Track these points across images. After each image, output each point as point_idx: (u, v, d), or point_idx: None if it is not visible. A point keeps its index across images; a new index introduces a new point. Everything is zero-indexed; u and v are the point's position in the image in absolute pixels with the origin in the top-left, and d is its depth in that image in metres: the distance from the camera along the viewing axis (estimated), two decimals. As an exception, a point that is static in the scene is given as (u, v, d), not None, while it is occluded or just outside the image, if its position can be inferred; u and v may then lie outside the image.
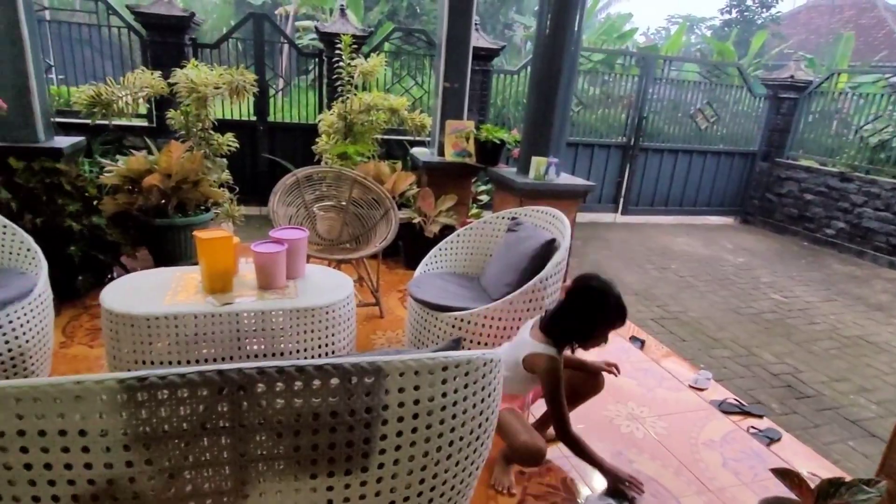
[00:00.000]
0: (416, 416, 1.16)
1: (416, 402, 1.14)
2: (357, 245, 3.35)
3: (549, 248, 2.38)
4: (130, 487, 1.02)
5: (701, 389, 2.87)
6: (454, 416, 1.22)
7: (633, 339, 3.35)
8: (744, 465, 2.18)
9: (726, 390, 2.88)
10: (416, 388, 1.15)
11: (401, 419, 1.14)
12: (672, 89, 7.10)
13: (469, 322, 2.26)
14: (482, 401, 1.30)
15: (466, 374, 1.23)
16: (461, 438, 1.27)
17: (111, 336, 2.05)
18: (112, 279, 2.22)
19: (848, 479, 1.55)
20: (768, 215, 7.25)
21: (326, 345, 2.23)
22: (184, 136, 4.11)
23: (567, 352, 1.91)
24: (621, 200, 7.05)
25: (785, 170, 7.04)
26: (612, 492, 1.92)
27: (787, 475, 1.54)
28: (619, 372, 2.17)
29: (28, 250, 2.42)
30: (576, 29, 3.52)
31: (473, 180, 4.75)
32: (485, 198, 4.75)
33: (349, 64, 4.34)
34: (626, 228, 6.75)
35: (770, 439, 2.49)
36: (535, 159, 3.61)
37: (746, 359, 3.50)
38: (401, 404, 1.14)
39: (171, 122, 4.14)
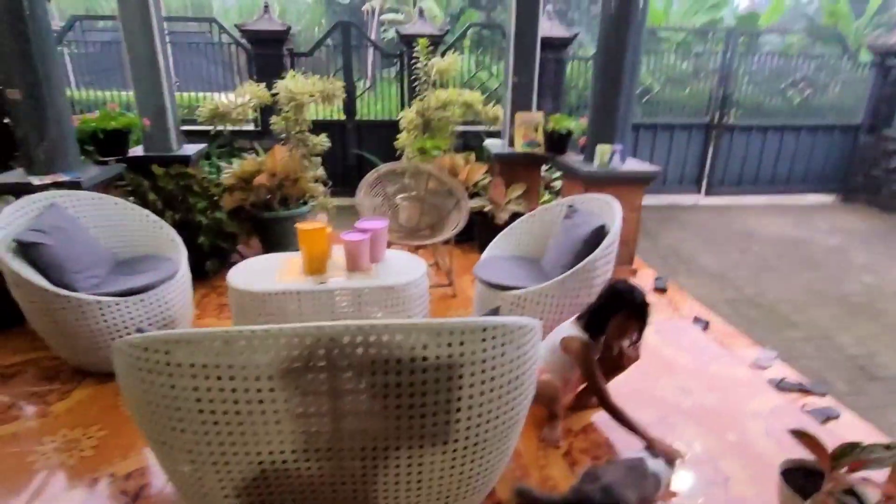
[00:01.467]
0: (461, 366, 1.49)
1: (449, 355, 1.47)
2: (433, 232, 3.73)
3: (599, 233, 2.60)
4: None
5: (763, 368, 2.94)
6: (494, 368, 1.54)
7: (697, 319, 3.45)
8: (787, 436, 2.29)
9: (790, 370, 2.93)
10: (461, 343, 1.48)
11: (438, 368, 1.48)
12: (764, 60, 6.76)
13: (526, 300, 2.55)
14: (518, 357, 1.61)
15: (504, 335, 1.54)
16: (492, 390, 1.58)
17: (237, 309, 2.58)
18: (233, 264, 2.74)
19: (866, 443, 1.68)
20: (874, 192, 6.74)
21: (405, 318, 2.63)
22: (284, 139, 4.70)
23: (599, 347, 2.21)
24: (704, 181, 6.87)
25: (894, 143, 6.50)
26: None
27: (803, 436, 1.70)
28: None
29: (172, 240, 3.03)
30: (640, 7, 3.58)
31: (546, 168, 4.97)
32: (558, 184, 4.93)
33: (426, 64, 4.70)
34: (708, 210, 6.60)
35: (826, 417, 2.55)
36: (599, 147, 3.78)
37: (821, 342, 3.48)
38: (437, 357, 1.48)
39: (273, 127, 4.74)
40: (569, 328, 2.24)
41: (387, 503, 1.69)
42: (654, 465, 1.93)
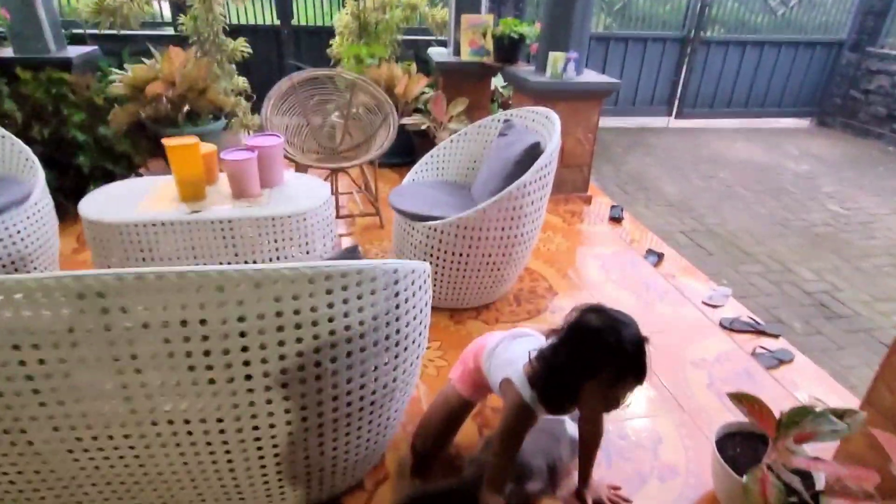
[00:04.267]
0: (298, 327, 1.10)
1: (279, 312, 1.07)
2: (357, 153, 3.24)
3: (533, 151, 2.17)
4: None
5: (714, 306, 2.66)
6: (348, 328, 1.16)
7: (650, 252, 3.12)
8: (731, 386, 2.03)
9: (744, 308, 2.66)
10: (295, 297, 1.08)
11: (280, 328, 1.09)
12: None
13: (442, 232, 2.15)
14: (387, 312, 1.22)
15: (359, 283, 1.15)
16: (362, 350, 1.21)
17: (95, 245, 2.12)
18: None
19: (819, 408, 1.38)
20: (850, 116, 6.38)
21: (303, 253, 2.21)
22: (197, 43, 4.03)
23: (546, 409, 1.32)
24: (676, 102, 6.40)
25: (877, 61, 6.07)
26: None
27: (743, 400, 1.39)
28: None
29: (26, 160, 2.49)
30: None
31: (503, 85, 4.42)
32: (508, 93, 4.38)
33: (360, -46, 4.00)
34: (677, 134, 6.18)
35: (778, 360, 2.30)
36: (551, 55, 3.26)
37: (779, 275, 3.21)
38: (279, 313, 1.08)
39: (182, 29, 4.06)
40: (518, 368, 1.35)
41: (238, 491, 1.35)
42: (573, 427, 1.63)
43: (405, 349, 1.34)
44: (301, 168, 2.98)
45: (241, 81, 4.23)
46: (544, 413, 1.33)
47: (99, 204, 2.13)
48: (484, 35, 3.79)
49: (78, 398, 1.09)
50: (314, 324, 1.11)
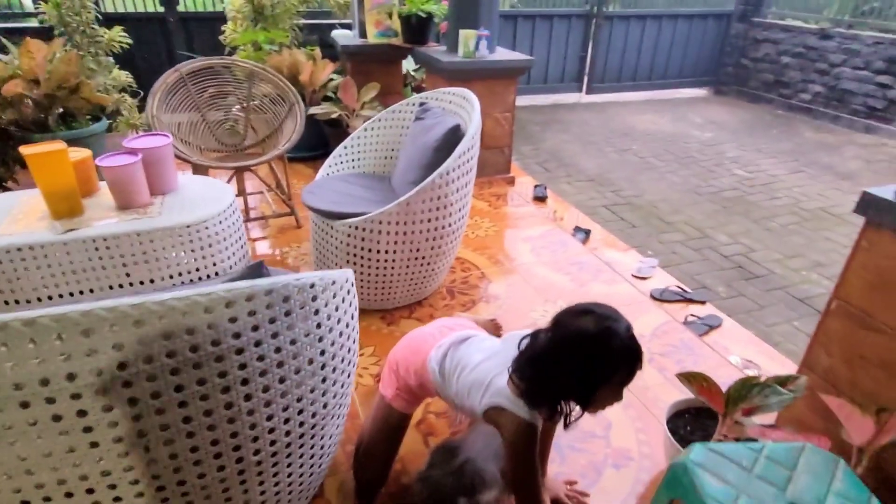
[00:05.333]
0: (197, 366, 0.91)
1: (194, 348, 0.88)
2: (263, 149, 2.97)
3: (453, 136, 2.04)
4: None
5: (643, 278, 2.68)
6: (261, 358, 0.98)
7: (577, 229, 3.11)
8: (671, 359, 2.03)
9: (671, 277, 2.70)
10: (190, 332, 0.89)
11: (175, 371, 0.89)
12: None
13: (365, 230, 1.98)
14: (307, 334, 1.05)
15: (269, 306, 0.97)
16: (282, 380, 1.04)
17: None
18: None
19: (763, 378, 1.37)
20: (743, 83, 6.78)
21: (205, 267, 1.96)
22: (64, 35, 3.54)
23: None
24: (585, 78, 6.52)
25: (762, 31, 6.46)
26: None
27: (693, 379, 1.35)
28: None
29: None
30: None
31: (416, 68, 4.25)
32: (420, 76, 4.21)
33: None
34: (590, 109, 6.30)
35: (709, 327, 2.34)
36: (462, 33, 3.14)
37: (699, 241, 3.31)
38: (171, 354, 0.88)
39: (44, 18, 3.55)
40: (502, 391, 1.20)
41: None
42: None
43: (333, 370, 1.17)
44: (200, 170, 2.68)
45: (124, 76, 3.78)
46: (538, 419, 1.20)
47: (-55, 230, 1.77)
48: (390, 15, 3.59)
49: None
50: (219, 359, 0.93)
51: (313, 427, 1.18)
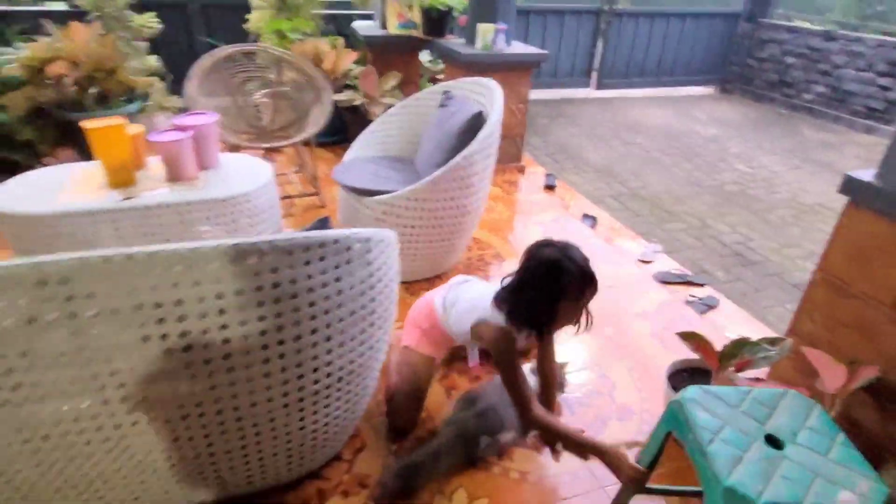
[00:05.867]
0: (277, 301, 1.09)
1: (276, 285, 1.06)
2: (290, 132, 3.14)
3: (476, 121, 2.21)
4: None
5: (648, 262, 2.86)
6: (327, 299, 1.16)
7: (586, 216, 3.29)
8: (672, 332, 2.20)
9: (674, 262, 2.87)
10: (274, 270, 1.07)
11: (260, 304, 1.07)
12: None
13: (394, 206, 2.15)
14: (362, 281, 1.23)
15: (336, 253, 1.14)
16: (340, 320, 1.21)
17: (13, 239, 1.94)
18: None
19: (754, 339, 1.55)
20: (748, 83, 6.92)
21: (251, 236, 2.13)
22: (98, 19, 3.69)
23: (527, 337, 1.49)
24: (595, 74, 6.66)
25: (768, 31, 6.60)
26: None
27: (690, 338, 1.53)
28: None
29: (-86, 152, 2.22)
30: None
31: (430, 59, 4.40)
32: (435, 67, 4.37)
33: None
34: (598, 104, 6.45)
35: (707, 306, 2.52)
36: (480, 26, 3.30)
37: (700, 230, 3.48)
38: (258, 288, 1.06)
39: (79, 2, 3.70)
40: (487, 308, 1.51)
41: (209, 475, 1.32)
42: (536, 381, 1.72)
43: (378, 318, 1.35)
44: (234, 150, 2.85)
45: (153, 60, 3.94)
46: (524, 339, 1.49)
47: (14, 196, 1.94)
48: (410, 8, 3.75)
49: (42, 396, 1.02)
50: (293, 296, 1.10)
51: (359, 367, 1.36)
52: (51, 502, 1.20)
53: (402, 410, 1.65)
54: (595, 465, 1.59)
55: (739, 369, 1.54)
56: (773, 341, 1.54)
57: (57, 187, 2.02)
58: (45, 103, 3.18)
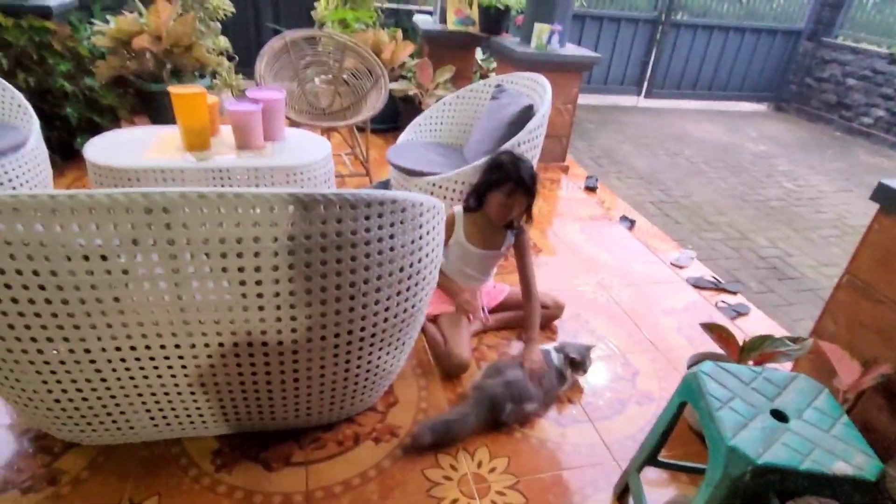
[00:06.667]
0: (339, 248, 1.23)
1: (323, 234, 1.20)
2: (347, 114, 3.32)
3: (526, 114, 2.32)
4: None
5: (681, 267, 2.91)
6: (380, 252, 1.30)
7: (624, 218, 3.35)
8: (698, 330, 2.26)
9: (707, 269, 2.91)
10: (339, 220, 1.21)
11: (324, 249, 1.22)
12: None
13: (441, 187, 2.29)
14: (412, 241, 1.36)
15: (392, 212, 1.28)
16: (390, 274, 1.35)
17: (97, 186, 2.16)
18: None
19: (777, 336, 1.61)
20: (804, 102, 6.79)
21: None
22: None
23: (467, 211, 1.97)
24: (645, 83, 6.66)
25: (830, 51, 6.46)
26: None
27: (713, 329, 1.61)
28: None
29: (19, 106, 2.48)
30: None
31: (483, 58, 4.53)
32: (487, 65, 4.50)
33: (347, -83, 4.00)
34: (646, 113, 6.45)
35: (737, 313, 2.56)
36: (537, 26, 3.40)
37: (738, 242, 3.49)
38: (323, 235, 1.21)
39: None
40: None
41: (265, 407, 1.48)
42: (559, 359, 1.83)
43: (422, 278, 1.49)
44: (293, 125, 3.04)
45: (223, 41, 4.20)
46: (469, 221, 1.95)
47: (104, 150, 2.16)
48: (470, 5, 3.89)
49: (137, 309, 1.19)
50: (353, 246, 1.25)
51: (401, 322, 1.50)
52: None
53: (451, 355, 1.88)
54: (611, 438, 1.69)
55: (759, 363, 1.61)
56: (795, 339, 1.60)
57: (140, 146, 2.24)
58: (127, 73, 3.46)
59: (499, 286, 2.20)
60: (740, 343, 1.63)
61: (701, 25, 6.46)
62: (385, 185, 1.41)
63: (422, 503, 1.44)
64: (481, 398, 1.67)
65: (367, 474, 1.51)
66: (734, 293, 2.72)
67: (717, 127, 6.13)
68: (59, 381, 1.29)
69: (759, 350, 1.58)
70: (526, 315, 2.00)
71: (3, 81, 2.47)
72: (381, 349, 1.50)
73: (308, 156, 2.31)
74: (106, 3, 4.85)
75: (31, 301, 1.13)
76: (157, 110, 3.59)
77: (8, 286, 1.10)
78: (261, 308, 1.25)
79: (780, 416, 1.13)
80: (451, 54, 4.07)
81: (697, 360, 1.83)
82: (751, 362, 1.61)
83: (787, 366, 1.85)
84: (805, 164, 5.16)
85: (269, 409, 1.51)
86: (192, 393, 1.40)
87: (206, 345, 1.28)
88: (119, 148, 2.20)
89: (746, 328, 2.40)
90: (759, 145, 5.61)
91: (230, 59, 4.28)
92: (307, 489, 1.45)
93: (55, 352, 1.23)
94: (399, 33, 4.13)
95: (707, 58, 6.64)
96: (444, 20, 3.99)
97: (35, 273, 1.10)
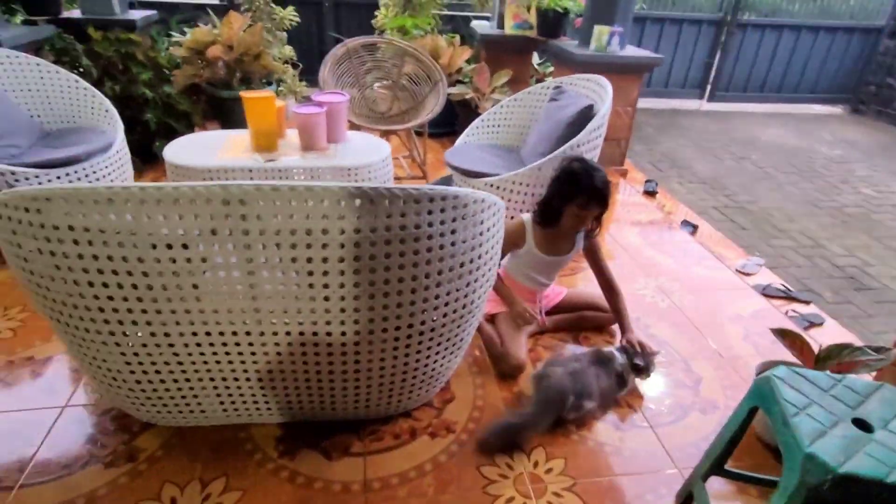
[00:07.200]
0: (402, 241, 1.26)
1: (388, 227, 1.23)
2: (406, 118, 3.38)
3: (585, 114, 2.29)
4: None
5: (748, 274, 2.78)
6: (442, 247, 1.31)
7: (685, 223, 3.24)
8: (766, 339, 2.16)
9: (777, 277, 2.77)
10: (403, 214, 1.24)
11: (388, 242, 1.25)
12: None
13: (499, 188, 2.29)
14: (472, 237, 1.38)
15: (454, 207, 1.30)
16: (451, 269, 1.37)
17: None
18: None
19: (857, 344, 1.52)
20: (885, 104, 6.36)
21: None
22: (248, 11, 4.18)
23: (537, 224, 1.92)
24: (709, 86, 6.43)
25: (915, 49, 6.02)
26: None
27: (786, 335, 1.53)
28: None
29: (106, 111, 2.69)
30: None
31: (539, 62, 4.51)
32: (544, 70, 4.48)
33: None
34: (709, 116, 6.22)
35: (810, 323, 2.42)
36: (597, 28, 3.36)
37: (811, 250, 3.31)
38: (388, 228, 1.24)
39: (234, -4, 4.21)
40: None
41: (326, 398, 1.53)
42: (622, 359, 1.79)
43: (482, 276, 1.49)
44: (353, 128, 3.14)
45: (288, 50, 4.38)
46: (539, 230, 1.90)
47: (182, 152, 2.31)
48: (528, 9, 3.88)
49: (212, 296, 1.26)
50: (416, 239, 1.27)
51: (460, 318, 1.51)
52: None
53: (506, 355, 1.88)
54: (672, 445, 1.64)
55: (838, 373, 1.51)
56: (877, 349, 1.50)
57: (213, 148, 2.37)
58: (201, 80, 3.66)
59: (557, 288, 2.18)
60: (815, 351, 1.54)
61: (770, 25, 6.18)
62: (447, 181, 1.44)
63: (477, 499, 1.44)
64: (545, 389, 1.64)
65: (423, 468, 1.53)
66: (807, 303, 2.57)
67: (786, 130, 5.83)
68: (140, 363, 1.38)
69: (836, 359, 1.49)
70: (614, 310, 1.99)
71: (94, 89, 2.68)
72: (439, 344, 1.51)
73: (369, 157, 2.38)
74: (182, 17, 5.17)
75: (120, 286, 1.21)
76: (227, 115, 3.79)
77: (100, 271, 1.19)
78: (326, 299, 1.29)
79: (863, 425, 1.07)
80: (508, 59, 4.08)
81: (768, 367, 1.74)
82: (827, 371, 1.52)
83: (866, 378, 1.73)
84: (886, 169, 4.83)
85: (331, 400, 1.55)
86: (260, 380, 1.46)
87: (275, 332, 1.34)
88: (195, 150, 2.34)
89: (821, 339, 2.26)
90: (833, 149, 5.30)
91: (294, 66, 4.46)
92: (365, 479, 1.48)
93: (138, 335, 1.32)
94: (457, 39, 4.18)
95: (776, 59, 6.34)
96: (501, 25, 4.01)
97: (124, 259, 1.18)
